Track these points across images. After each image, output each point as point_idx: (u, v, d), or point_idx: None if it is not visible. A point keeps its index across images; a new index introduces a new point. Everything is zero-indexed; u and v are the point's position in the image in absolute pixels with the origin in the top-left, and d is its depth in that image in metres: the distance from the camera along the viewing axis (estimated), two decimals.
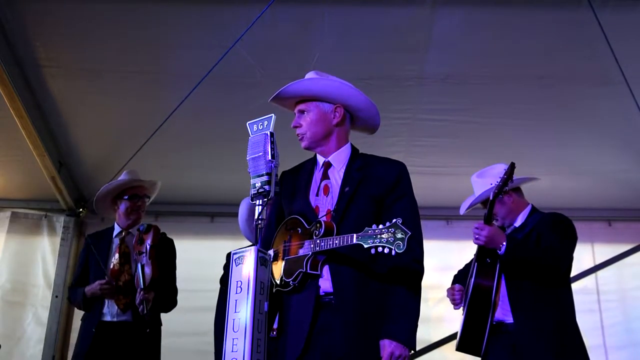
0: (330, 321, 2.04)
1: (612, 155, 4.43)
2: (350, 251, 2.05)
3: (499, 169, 2.98)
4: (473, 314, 2.80)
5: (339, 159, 2.29)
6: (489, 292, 2.76)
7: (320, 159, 2.32)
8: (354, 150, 2.35)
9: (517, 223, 3.05)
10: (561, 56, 3.73)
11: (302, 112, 2.31)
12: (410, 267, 2.11)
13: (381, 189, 2.20)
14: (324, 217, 2.12)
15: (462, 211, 3.28)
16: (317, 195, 2.22)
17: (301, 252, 2.08)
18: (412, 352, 2.10)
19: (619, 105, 3.87)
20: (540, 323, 2.73)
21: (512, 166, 2.79)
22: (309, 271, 2.05)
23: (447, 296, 3.09)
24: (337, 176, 2.26)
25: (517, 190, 3.11)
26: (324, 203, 2.19)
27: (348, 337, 2.02)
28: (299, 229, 2.14)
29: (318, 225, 2.07)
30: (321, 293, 2.09)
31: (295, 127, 2.29)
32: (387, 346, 2.03)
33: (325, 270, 2.10)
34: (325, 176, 2.26)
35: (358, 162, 2.28)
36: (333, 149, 2.30)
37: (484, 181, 3.09)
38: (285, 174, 2.35)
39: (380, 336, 2.05)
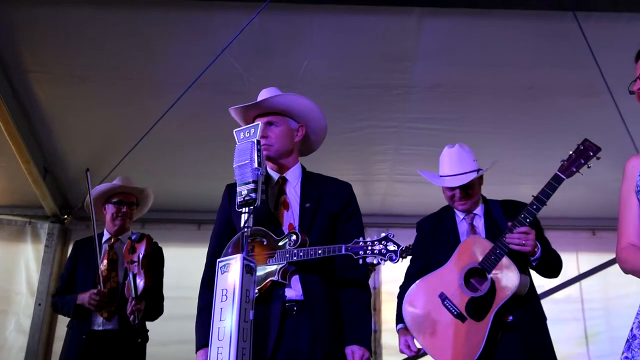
0: (297, 327, 2.16)
1: (596, 165, 4.46)
2: (320, 262, 2.20)
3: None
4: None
5: (294, 176, 2.42)
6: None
7: (274, 174, 2.42)
8: (303, 167, 2.48)
9: (478, 211, 2.94)
10: (547, 67, 3.78)
11: (269, 123, 2.38)
12: (363, 279, 2.33)
13: (336, 208, 2.37)
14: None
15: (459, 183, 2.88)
16: (275, 209, 2.33)
17: (272, 262, 2.18)
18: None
19: (603, 116, 3.92)
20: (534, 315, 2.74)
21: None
22: (279, 280, 2.16)
23: None
24: (293, 192, 2.38)
25: None
26: (285, 217, 2.31)
27: (316, 342, 2.16)
28: (264, 240, 2.23)
29: (294, 237, 2.18)
30: (286, 300, 2.19)
31: (262, 137, 2.34)
32: (357, 351, 2.20)
33: (294, 280, 2.21)
34: (282, 191, 2.36)
35: (311, 180, 2.42)
36: (290, 165, 2.43)
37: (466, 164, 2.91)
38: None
39: (347, 342, 2.22)
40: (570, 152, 2.64)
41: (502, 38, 3.63)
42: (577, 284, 5.03)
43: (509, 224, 2.64)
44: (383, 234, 2.09)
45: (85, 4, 3.49)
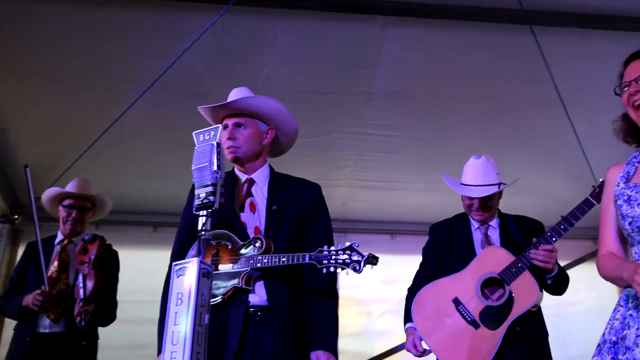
0: (260, 333, 2.14)
1: (549, 174, 4.61)
2: (286, 267, 2.17)
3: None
4: None
5: (262, 177, 2.40)
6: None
7: (242, 175, 2.41)
8: (271, 168, 2.46)
9: (493, 223, 3.00)
10: (503, 78, 3.88)
11: (238, 125, 2.36)
12: (330, 286, 2.32)
13: (305, 209, 2.36)
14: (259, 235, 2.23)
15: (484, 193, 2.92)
16: (242, 211, 2.30)
17: (236, 267, 2.16)
18: None
19: (556, 127, 4.04)
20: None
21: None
22: (243, 286, 2.13)
23: None
24: (260, 194, 2.36)
25: None
26: (251, 220, 2.29)
27: (279, 347, 2.14)
28: (229, 244, 2.20)
29: (259, 243, 2.17)
30: (250, 305, 2.17)
31: (230, 138, 2.33)
32: (322, 356, 2.21)
33: (258, 286, 2.19)
34: (249, 193, 2.34)
35: (279, 181, 2.40)
36: (258, 167, 2.41)
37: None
38: None
39: (313, 348, 2.23)
40: (602, 179, 2.73)
41: (463, 49, 3.71)
42: None
43: (534, 240, 2.70)
44: (348, 244, 2.10)
45: None
